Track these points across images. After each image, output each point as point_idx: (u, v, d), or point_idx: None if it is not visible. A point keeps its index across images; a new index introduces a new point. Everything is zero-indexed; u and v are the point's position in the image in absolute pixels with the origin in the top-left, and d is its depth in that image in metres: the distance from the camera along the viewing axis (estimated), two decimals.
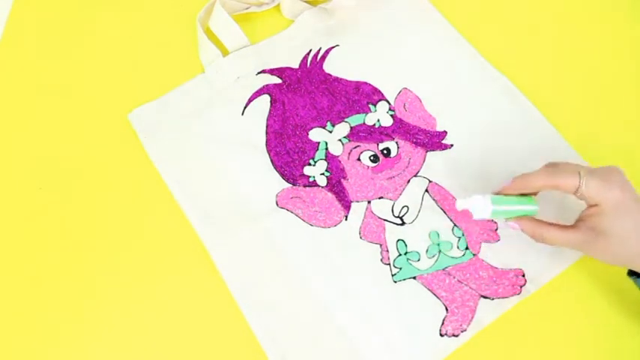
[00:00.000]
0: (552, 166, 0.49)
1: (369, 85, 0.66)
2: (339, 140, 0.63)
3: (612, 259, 0.48)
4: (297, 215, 0.59)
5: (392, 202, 0.60)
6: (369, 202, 0.60)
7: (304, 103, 0.65)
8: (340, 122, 0.63)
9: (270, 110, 0.64)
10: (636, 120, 0.64)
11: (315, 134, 0.63)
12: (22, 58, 0.70)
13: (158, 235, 0.59)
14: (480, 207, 0.50)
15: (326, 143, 0.62)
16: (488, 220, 0.58)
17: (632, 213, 0.46)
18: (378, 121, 0.64)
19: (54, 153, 0.64)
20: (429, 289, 0.56)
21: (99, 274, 0.58)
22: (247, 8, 0.70)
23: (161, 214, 0.60)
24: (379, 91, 0.65)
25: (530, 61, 0.67)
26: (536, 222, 0.50)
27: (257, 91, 0.65)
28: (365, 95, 0.65)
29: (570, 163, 0.49)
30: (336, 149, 0.62)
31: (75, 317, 0.56)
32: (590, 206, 0.48)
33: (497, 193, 0.52)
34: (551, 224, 0.50)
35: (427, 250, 0.57)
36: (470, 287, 0.56)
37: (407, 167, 0.61)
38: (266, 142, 0.63)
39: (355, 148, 0.62)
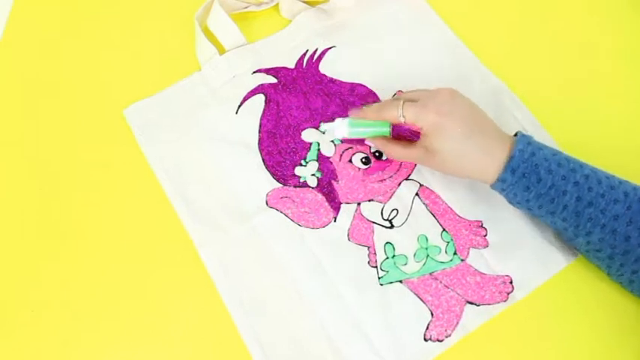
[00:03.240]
0: (383, 103, 0.56)
1: (364, 87, 0.65)
2: (332, 141, 0.63)
3: (450, 173, 0.55)
4: (286, 215, 0.59)
5: (382, 205, 0.60)
6: (358, 204, 0.60)
7: (298, 103, 0.65)
8: None
9: (264, 110, 0.65)
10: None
11: (308, 135, 0.63)
12: (22, 58, 0.70)
13: (148, 231, 0.60)
14: (340, 128, 0.56)
15: (318, 144, 0.63)
16: (478, 227, 0.58)
17: (450, 134, 0.51)
18: None
19: (52, 149, 0.64)
20: (415, 294, 0.56)
21: (88, 269, 0.58)
22: (246, 7, 0.70)
23: (152, 210, 0.60)
24: (374, 93, 0.65)
25: (527, 65, 0.67)
26: (386, 141, 0.57)
27: (252, 90, 0.66)
28: (360, 97, 0.65)
29: (404, 97, 0.55)
30: (328, 150, 0.62)
31: (67, 312, 0.57)
32: (420, 129, 0.53)
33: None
34: (397, 142, 0.57)
35: (415, 254, 0.57)
36: (456, 293, 0.56)
37: (398, 170, 0.61)
38: (259, 141, 0.63)
39: (347, 149, 0.62)
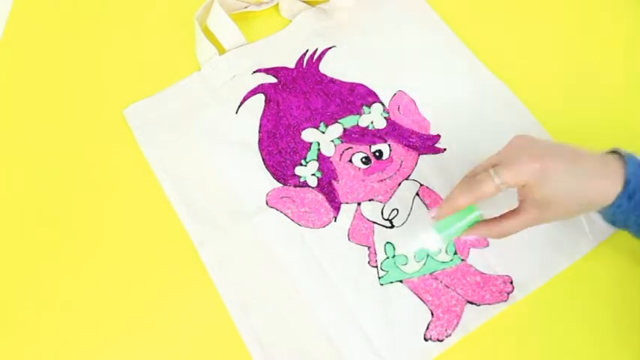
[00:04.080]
0: (466, 182, 0.49)
1: (364, 86, 0.65)
2: (332, 141, 0.63)
3: (572, 211, 0.49)
4: (286, 215, 0.59)
5: (382, 205, 0.60)
6: (358, 204, 0.60)
7: (298, 103, 0.65)
8: (333, 123, 0.63)
9: (264, 109, 0.65)
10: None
11: (308, 134, 0.63)
12: (22, 58, 0.70)
13: (148, 230, 0.60)
14: (431, 242, 0.51)
15: (318, 144, 0.62)
16: None
17: (554, 176, 0.46)
18: (372, 123, 0.63)
19: (52, 149, 0.64)
20: (415, 293, 0.56)
21: (88, 269, 0.58)
22: (246, 7, 0.70)
23: (152, 210, 0.60)
24: (374, 93, 0.65)
25: (527, 65, 0.67)
26: (488, 224, 0.51)
27: (252, 90, 0.66)
28: (359, 97, 0.65)
29: (481, 168, 0.51)
30: (328, 150, 0.62)
31: (67, 312, 0.57)
32: (521, 188, 0.48)
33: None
34: (502, 217, 0.50)
35: (415, 254, 0.57)
36: (457, 292, 0.56)
37: (398, 170, 0.61)
38: (259, 141, 0.63)
39: (347, 149, 0.62)
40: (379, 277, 0.57)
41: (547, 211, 0.48)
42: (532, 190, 0.47)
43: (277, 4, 0.71)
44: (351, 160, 0.62)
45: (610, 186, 0.47)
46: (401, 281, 0.56)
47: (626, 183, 0.47)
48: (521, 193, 0.49)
